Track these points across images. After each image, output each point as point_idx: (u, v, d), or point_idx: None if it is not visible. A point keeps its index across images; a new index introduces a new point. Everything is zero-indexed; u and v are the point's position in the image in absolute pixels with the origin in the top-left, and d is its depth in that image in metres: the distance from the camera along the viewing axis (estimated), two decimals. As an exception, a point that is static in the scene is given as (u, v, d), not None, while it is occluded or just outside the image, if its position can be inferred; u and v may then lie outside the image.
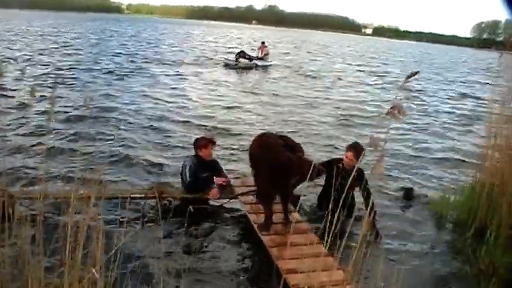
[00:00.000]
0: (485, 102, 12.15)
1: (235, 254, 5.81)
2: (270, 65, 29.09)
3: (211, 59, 30.96)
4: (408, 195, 8.22)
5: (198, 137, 7.57)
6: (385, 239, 6.41)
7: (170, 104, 15.02)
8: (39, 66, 20.96)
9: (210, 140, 7.20)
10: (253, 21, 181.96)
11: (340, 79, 25.89)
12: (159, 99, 15.55)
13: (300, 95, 18.95)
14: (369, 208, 3.44)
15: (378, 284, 3.86)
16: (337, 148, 10.70)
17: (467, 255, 6.25)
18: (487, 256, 5.95)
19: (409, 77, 2.95)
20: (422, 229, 7.04)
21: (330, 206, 3.50)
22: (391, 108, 2.91)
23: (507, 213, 6.40)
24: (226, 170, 7.78)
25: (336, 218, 3.43)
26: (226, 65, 27.32)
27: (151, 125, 11.90)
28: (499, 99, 7.63)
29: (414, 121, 15.80)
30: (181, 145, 10.17)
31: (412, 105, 18.58)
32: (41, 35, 41.72)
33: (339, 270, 4.70)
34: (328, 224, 3.54)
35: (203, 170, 6.93)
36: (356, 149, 6.65)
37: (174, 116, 13.18)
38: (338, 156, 7.40)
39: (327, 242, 3.69)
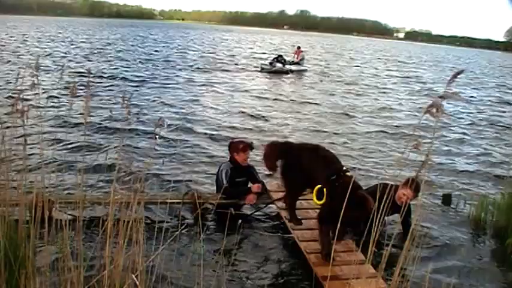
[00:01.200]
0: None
1: (272, 260, 5.76)
2: (305, 70, 29.04)
3: (246, 64, 31.00)
4: (447, 200, 8.06)
5: (235, 140, 7.50)
6: (425, 247, 6.25)
7: (200, 110, 15.06)
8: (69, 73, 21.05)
9: (248, 145, 7.04)
10: (285, 26, 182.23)
11: (376, 86, 25.45)
12: (191, 107, 15.55)
13: (334, 103, 18.71)
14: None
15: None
16: (375, 161, 10.48)
17: (508, 265, 6.09)
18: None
19: (454, 76, 2.89)
20: (461, 236, 6.89)
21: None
22: (430, 106, 2.84)
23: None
24: (261, 175, 7.75)
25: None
26: (262, 69, 27.33)
27: (186, 132, 11.92)
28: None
29: (452, 127, 15.64)
30: (216, 152, 10.18)
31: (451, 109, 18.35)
32: (70, 41, 42.15)
33: (381, 280, 4.59)
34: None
35: (239, 175, 6.90)
36: (417, 186, 5.67)
37: (205, 124, 13.14)
38: (385, 182, 5.93)
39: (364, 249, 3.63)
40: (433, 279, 4.89)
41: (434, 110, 2.81)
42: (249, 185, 6.99)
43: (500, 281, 5.78)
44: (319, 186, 5.44)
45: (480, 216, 7.37)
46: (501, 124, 17.00)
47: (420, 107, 18.47)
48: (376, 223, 3.55)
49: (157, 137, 10.60)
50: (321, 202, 5.41)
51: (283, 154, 6.14)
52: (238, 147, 6.92)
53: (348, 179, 4.97)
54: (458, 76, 2.98)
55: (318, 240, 5.54)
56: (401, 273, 3.59)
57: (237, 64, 31.04)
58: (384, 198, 3.48)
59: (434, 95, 22.14)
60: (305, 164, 5.77)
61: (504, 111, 19.98)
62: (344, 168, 5.52)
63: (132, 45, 40.70)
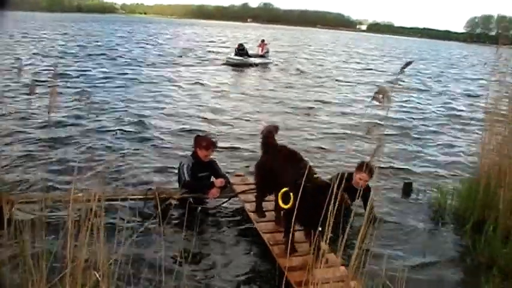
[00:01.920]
0: (483, 100, 12.15)
1: (235, 253, 5.83)
2: (270, 63, 29.11)
3: (209, 58, 30.84)
4: (407, 189, 8.27)
5: (200, 134, 7.48)
6: (385, 233, 6.42)
7: (161, 106, 14.88)
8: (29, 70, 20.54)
9: (212, 143, 7.00)
10: (248, 19, 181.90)
11: (337, 80, 25.53)
12: (153, 103, 15.34)
13: (297, 96, 18.64)
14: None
15: (381, 281, 3.89)
16: (336, 154, 10.55)
17: (467, 247, 6.30)
18: (486, 248, 6.00)
19: (403, 68, 2.99)
20: (421, 223, 7.09)
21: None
22: (376, 93, 2.94)
23: (504, 205, 6.45)
24: (225, 169, 7.80)
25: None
26: (226, 63, 27.24)
27: (147, 128, 11.79)
28: (495, 96, 7.64)
29: (413, 117, 15.99)
30: (177, 147, 10.12)
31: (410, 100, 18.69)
32: (24, 37, 40.78)
33: (342, 266, 4.72)
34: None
35: (201, 170, 6.90)
36: (370, 169, 6.28)
37: (167, 119, 13.03)
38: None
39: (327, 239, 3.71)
40: (392, 264, 5.07)
41: (380, 97, 2.91)
42: (211, 180, 7.00)
43: (459, 266, 6.00)
44: (285, 189, 5.29)
45: (440, 203, 7.61)
46: (460, 115, 17.36)
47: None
48: (335, 212, 3.64)
49: (117, 132, 10.61)
50: (288, 206, 5.18)
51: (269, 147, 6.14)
52: (202, 143, 6.91)
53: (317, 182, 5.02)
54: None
55: (280, 232, 5.63)
56: (360, 258, 3.69)
57: (200, 58, 30.84)
58: (343, 186, 3.61)
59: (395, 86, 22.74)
60: (277, 166, 5.69)
61: (464, 103, 20.37)
62: (312, 171, 5.33)
63: (94, 41, 39.92)
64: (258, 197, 6.32)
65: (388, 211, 7.38)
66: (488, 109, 7.77)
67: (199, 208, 6.56)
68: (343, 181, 3.78)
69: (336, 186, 3.85)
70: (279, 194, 5.39)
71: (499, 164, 6.85)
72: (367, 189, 6.24)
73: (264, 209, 6.29)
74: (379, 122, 9.31)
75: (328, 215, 3.63)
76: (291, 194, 5.10)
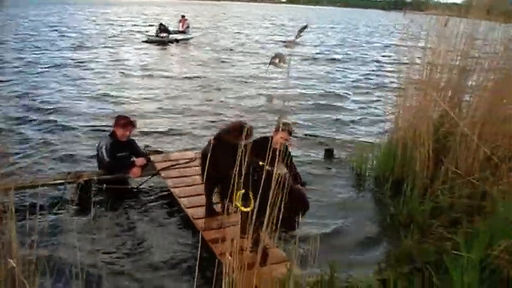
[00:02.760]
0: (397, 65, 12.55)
1: (160, 229, 5.81)
2: (191, 38, 28.75)
3: (126, 37, 29.99)
4: (329, 155, 8.49)
5: (120, 115, 7.24)
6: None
7: (79, 88, 14.28)
8: None
9: (131, 122, 6.89)
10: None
11: (255, 53, 25.37)
12: (70, 86, 14.59)
13: (216, 73, 18.05)
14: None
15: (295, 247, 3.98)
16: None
17: (387, 207, 6.56)
18: (404, 207, 6.25)
19: (300, 31, 3.05)
20: (343, 187, 7.33)
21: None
22: (273, 58, 3.02)
23: (420, 165, 6.72)
24: (146, 147, 7.76)
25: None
26: (146, 41, 26.59)
27: (62, 114, 11.24)
28: (407, 61, 7.89)
29: (332, 84, 16.32)
30: (95, 129, 9.81)
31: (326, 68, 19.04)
32: None
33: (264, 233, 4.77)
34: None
35: (120, 150, 6.76)
36: (289, 127, 6.22)
37: (84, 101, 12.56)
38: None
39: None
40: (312, 228, 5.21)
41: (277, 61, 2.98)
42: (132, 159, 6.91)
43: (380, 226, 6.25)
44: (243, 192, 4.47)
45: (360, 166, 7.86)
46: (377, 82, 17.91)
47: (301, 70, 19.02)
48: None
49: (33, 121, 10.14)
50: (250, 209, 4.39)
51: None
52: (120, 122, 6.79)
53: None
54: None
55: (203, 206, 5.63)
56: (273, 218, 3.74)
57: (119, 37, 29.91)
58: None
59: (319, 59, 22.92)
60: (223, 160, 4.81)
61: (381, 70, 20.94)
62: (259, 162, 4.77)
63: (5, 25, 37.95)
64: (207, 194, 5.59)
65: (309, 177, 7.51)
66: (401, 74, 8.01)
67: (103, 187, 6.46)
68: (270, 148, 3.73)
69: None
70: (237, 197, 4.51)
71: (414, 126, 7.11)
72: (286, 150, 6.32)
73: (184, 185, 6.30)
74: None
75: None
76: (250, 194, 4.45)
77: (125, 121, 6.82)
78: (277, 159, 3.79)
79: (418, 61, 7.60)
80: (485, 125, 6.53)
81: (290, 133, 6.19)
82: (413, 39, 7.98)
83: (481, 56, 7.48)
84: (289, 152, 6.16)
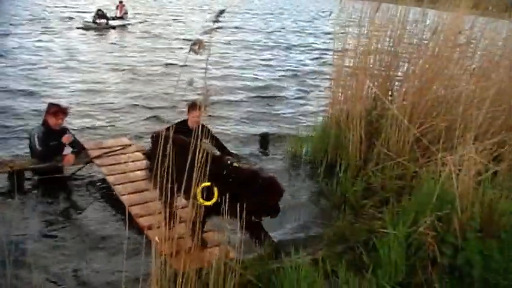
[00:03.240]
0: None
1: (93, 216, 5.74)
2: (129, 24, 28.14)
3: (60, 23, 28.57)
4: (264, 141, 8.57)
5: (51, 102, 7.02)
6: None
7: (16, 73, 13.57)
8: None
9: (62, 109, 6.70)
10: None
11: (186, 39, 24.46)
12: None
13: (146, 64, 16.87)
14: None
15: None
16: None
17: (321, 189, 6.71)
18: (338, 188, 6.41)
19: (217, 16, 3.09)
20: (279, 171, 7.36)
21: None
22: (193, 44, 3.06)
23: (353, 147, 6.89)
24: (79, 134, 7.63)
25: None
26: (82, 27, 25.65)
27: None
28: (341, 48, 8.02)
29: (269, 73, 16.48)
30: (28, 117, 9.43)
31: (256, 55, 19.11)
32: None
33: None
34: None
35: (53, 138, 6.57)
36: (199, 106, 6.46)
37: (18, 87, 11.95)
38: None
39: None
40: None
41: (196, 47, 3.01)
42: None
43: (315, 208, 6.41)
44: (206, 184, 4.38)
45: (296, 151, 7.97)
46: (312, 68, 18.07)
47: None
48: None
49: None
50: (212, 202, 4.44)
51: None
52: (51, 110, 6.62)
53: (240, 170, 4.68)
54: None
55: (138, 192, 5.64)
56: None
57: (51, 22, 28.47)
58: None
59: (258, 45, 22.83)
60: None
61: (318, 55, 21.11)
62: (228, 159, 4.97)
63: None
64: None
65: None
66: (336, 60, 8.14)
67: (35, 178, 6.35)
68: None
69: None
70: (198, 190, 4.35)
71: (347, 110, 7.27)
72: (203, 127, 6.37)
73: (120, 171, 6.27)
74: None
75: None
76: (215, 188, 4.44)
77: (55, 109, 6.64)
78: (199, 138, 3.85)
79: (351, 47, 7.75)
80: (415, 108, 6.75)
81: (201, 109, 6.45)
82: (347, 26, 8.10)
83: (412, 42, 7.71)
84: (207, 127, 6.21)
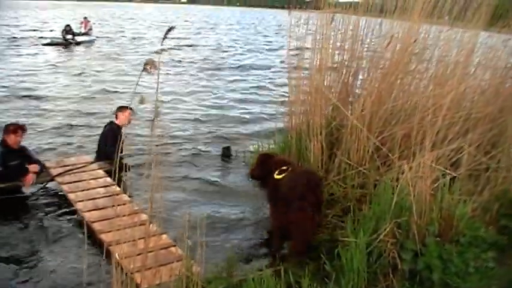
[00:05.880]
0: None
1: (55, 235, 5.66)
2: (94, 40, 28.00)
3: (29, 39, 27.94)
4: (226, 152, 8.61)
5: (8, 123, 6.98)
6: (203, 197, 6.93)
7: None
8: None
9: (20, 127, 6.69)
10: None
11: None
12: None
13: (108, 83, 16.26)
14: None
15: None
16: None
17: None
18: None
19: (166, 33, 3.12)
20: (240, 183, 7.42)
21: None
22: (145, 64, 3.10)
23: (315, 157, 6.93)
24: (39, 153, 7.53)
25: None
26: (49, 44, 25.22)
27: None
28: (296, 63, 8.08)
29: (221, 84, 16.77)
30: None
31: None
32: None
33: (162, 234, 5.01)
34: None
35: (13, 158, 6.51)
36: (131, 108, 7.56)
37: None
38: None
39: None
40: (210, 225, 5.28)
41: (149, 67, 3.05)
42: (26, 166, 6.65)
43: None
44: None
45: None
46: (274, 82, 18.07)
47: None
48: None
49: None
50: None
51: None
52: (9, 128, 6.57)
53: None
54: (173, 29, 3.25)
55: (100, 209, 5.61)
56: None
57: (20, 39, 27.90)
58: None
59: (214, 62, 22.61)
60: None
61: (278, 71, 20.98)
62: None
63: None
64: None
65: (208, 175, 7.77)
66: (293, 74, 8.16)
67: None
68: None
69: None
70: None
71: (307, 121, 7.31)
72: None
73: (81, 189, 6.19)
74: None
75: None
76: None
77: (14, 127, 6.60)
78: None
79: (307, 60, 7.81)
80: (373, 117, 6.83)
81: (133, 111, 7.52)
82: (301, 38, 8.11)
83: (368, 52, 7.82)
84: None
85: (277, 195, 5.21)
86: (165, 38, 3.14)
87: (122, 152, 3.78)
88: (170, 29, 3.20)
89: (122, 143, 4.03)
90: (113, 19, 56.23)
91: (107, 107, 11.88)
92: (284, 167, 5.41)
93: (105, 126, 7.60)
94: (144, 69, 3.08)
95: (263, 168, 5.66)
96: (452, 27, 7.66)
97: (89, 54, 23.44)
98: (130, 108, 7.55)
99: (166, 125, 10.19)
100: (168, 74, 16.87)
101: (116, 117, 7.57)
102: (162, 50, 3.99)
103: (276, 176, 5.35)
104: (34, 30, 33.20)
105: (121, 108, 7.62)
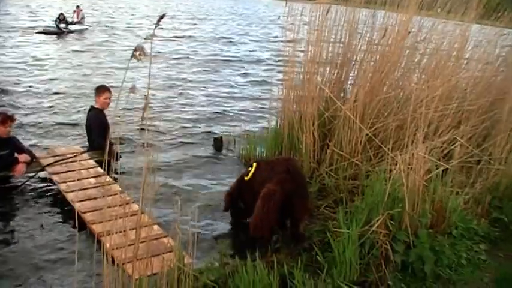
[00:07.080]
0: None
1: (46, 225, 5.58)
2: (86, 28, 27.73)
3: (22, 28, 27.51)
4: (218, 144, 8.56)
5: None
6: (195, 188, 6.88)
7: None
8: None
9: (9, 117, 6.58)
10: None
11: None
12: None
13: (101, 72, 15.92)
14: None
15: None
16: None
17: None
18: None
19: (158, 21, 3.07)
20: (232, 174, 7.34)
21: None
22: (135, 50, 3.05)
23: (307, 148, 6.91)
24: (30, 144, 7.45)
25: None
26: (42, 32, 24.92)
27: None
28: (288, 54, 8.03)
29: (211, 74, 16.65)
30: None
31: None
32: None
33: (154, 225, 4.95)
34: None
35: (1, 148, 6.42)
36: (108, 87, 7.44)
37: None
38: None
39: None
40: (202, 217, 5.25)
41: (138, 54, 3.01)
42: (16, 156, 6.59)
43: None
44: None
45: (250, 153, 7.94)
46: (263, 77, 17.80)
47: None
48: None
49: None
50: None
51: None
52: None
53: None
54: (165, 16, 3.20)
55: (91, 199, 5.59)
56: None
57: (10, 29, 27.46)
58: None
59: (209, 55, 22.53)
60: None
61: (272, 64, 20.86)
62: None
63: None
64: None
65: (200, 166, 7.74)
66: (287, 65, 8.12)
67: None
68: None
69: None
70: None
71: (299, 112, 7.29)
72: None
73: (72, 179, 6.13)
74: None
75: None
76: None
77: (3, 117, 6.48)
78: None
79: (302, 51, 7.78)
80: (366, 108, 6.82)
81: (110, 90, 7.34)
82: (295, 30, 8.07)
83: (362, 43, 7.79)
84: None
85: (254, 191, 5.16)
86: (157, 26, 3.08)
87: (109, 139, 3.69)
88: (162, 16, 3.14)
89: (108, 129, 3.98)
90: (105, 8, 55.52)
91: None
92: (249, 168, 5.48)
93: (88, 112, 7.47)
94: (133, 56, 3.03)
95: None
96: (447, 20, 7.66)
97: (81, 44, 23.14)
98: (107, 88, 7.38)
99: (158, 117, 10.13)
100: (159, 66, 16.62)
101: (96, 102, 7.41)
102: (153, 36, 3.88)
103: (246, 178, 5.40)
104: (25, 20, 32.72)
105: (97, 91, 7.41)
